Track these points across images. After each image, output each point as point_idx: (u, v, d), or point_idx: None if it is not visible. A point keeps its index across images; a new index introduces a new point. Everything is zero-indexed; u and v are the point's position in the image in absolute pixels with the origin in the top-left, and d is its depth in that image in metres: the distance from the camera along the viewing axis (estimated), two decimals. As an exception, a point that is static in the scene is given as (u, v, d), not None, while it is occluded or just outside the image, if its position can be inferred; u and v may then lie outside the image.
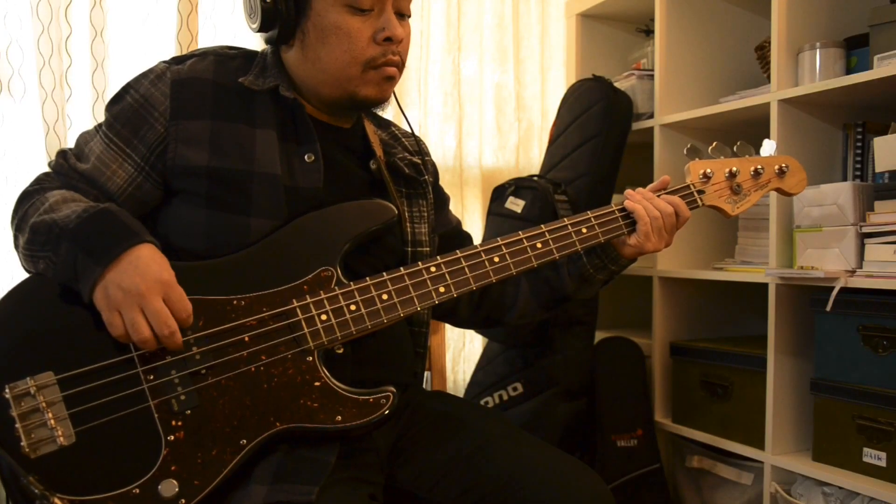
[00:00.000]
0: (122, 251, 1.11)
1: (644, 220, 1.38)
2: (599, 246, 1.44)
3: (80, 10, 2.02)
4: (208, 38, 2.19)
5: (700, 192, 1.46)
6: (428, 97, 2.60)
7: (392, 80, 1.31)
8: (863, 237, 1.75)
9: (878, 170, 1.76)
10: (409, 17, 1.33)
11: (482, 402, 2.25)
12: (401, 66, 1.32)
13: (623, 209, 1.41)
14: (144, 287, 1.09)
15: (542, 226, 1.35)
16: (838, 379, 1.79)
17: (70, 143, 1.32)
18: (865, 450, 1.73)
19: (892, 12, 1.79)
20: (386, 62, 1.28)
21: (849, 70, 1.91)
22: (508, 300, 1.55)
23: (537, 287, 1.53)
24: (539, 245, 1.34)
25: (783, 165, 1.51)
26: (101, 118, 1.36)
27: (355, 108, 1.36)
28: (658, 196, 1.42)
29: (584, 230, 1.37)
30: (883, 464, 1.69)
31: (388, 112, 1.44)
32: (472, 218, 2.66)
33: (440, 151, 2.61)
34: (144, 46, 2.11)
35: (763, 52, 2.12)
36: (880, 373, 1.70)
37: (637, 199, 1.40)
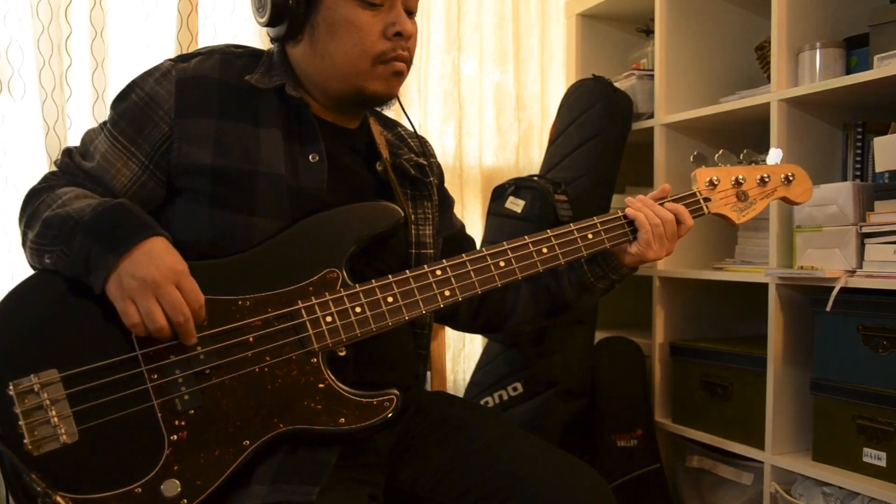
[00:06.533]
0: (136, 242, 1.11)
1: (645, 227, 1.37)
2: (601, 254, 1.43)
3: (80, 10, 2.02)
4: (208, 38, 2.19)
5: (706, 199, 1.45)
6: (428, 97, 2.60)
7: (400, 75, 1.31)
8: (863, 237, 1.75)
9: (878, 170, 1.77)
10: (415, 14, 1.33)
11: (482, 402, 2.25)
12: (409, 62, 1.32)
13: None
14: (160, 276, 1.10)
15: (549, 231, 1.35)
16: (838, 379, 1.79)
17: (70, 143, 1.32)
18: (865, 450, 1.73)
19: (892, 12, 1.79)
20: (395, 57, 1.28)
21: (849, 70, 1.91)
22: (508, 306, 1.54)
23: (537, 294, 1.51)
24: (545, 250, 1.33)
25: (789, 174, 1.50)
26: (101, 118, 1.36)
27: (363, 103, 1.36)
28: (661, 204, 1.41)
29: (590, 236, 1.36)
30: (883, 464, 1.69)
31: (390, 112, 1.44)
32: (472, 218, 2.66)
33: (440, 151, 2.61)
34: (144, 46, 2.10)
35: (763, 52, 2.12)
36: (880, 373, 1.70)
37: (637, 207, 1.39)
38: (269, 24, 1.28)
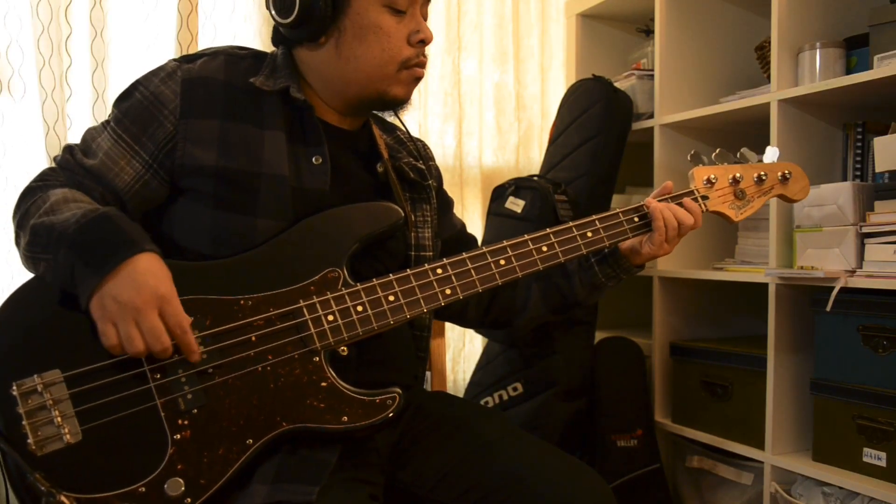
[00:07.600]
0: (119, 262, 1.09)
1: (661, 231, 1.41)
2: (612, 255, 1.47)
3: (80, 10, 2.02)
4: (208, 38, 2.19)
5: (704, 197, 1.47)
6: (428, 97, 2.60)
7: (419, 80, 1.34)
8: (863, 237, 1.75)
9: (878, 170, 1.77)
10: (427, 20, 1.35)
11: (482, 402, 2.25)
12: (425, 67, 1.35)
13: (627, 212, 1.42)
14: (140, 301, 1.08)
15: (548, 229, 1.36)
16: (838, 379, 1.79)
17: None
18: (865, 450, 1.73)
19: (892, 12, 1.79)
20: (418, 63, 1.32)
21: (849, 70, 1.91)
22: (519, 304, 1.56)
23: (548, 294, 1.54)
24: (545, 249, 1.35)
25: (786, 172, 1.52)
26: (102, 118, 1.35)
27: (381, 107, 1.37)
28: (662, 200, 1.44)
29: (590, 234, 1.38)
30: (883, 464, 1.70)
31: (387, 114, 1.45)
32: (472, 218, 2.67)
33: (440, 151, 2.62)
34: (144, 46, 2.10)
35: (763, 52, 2.12)
36: (880, 373, 1.70)
37: (661, 208, 1.42)
38: (294, 25, 1.27)
